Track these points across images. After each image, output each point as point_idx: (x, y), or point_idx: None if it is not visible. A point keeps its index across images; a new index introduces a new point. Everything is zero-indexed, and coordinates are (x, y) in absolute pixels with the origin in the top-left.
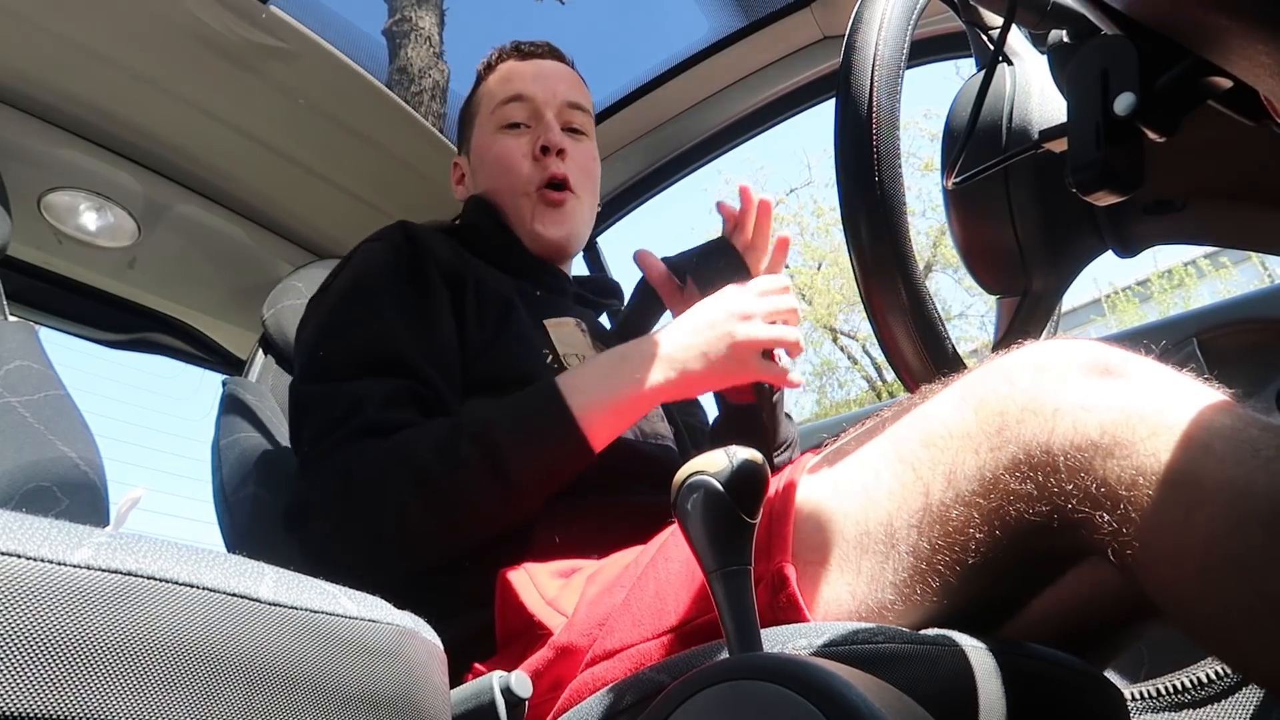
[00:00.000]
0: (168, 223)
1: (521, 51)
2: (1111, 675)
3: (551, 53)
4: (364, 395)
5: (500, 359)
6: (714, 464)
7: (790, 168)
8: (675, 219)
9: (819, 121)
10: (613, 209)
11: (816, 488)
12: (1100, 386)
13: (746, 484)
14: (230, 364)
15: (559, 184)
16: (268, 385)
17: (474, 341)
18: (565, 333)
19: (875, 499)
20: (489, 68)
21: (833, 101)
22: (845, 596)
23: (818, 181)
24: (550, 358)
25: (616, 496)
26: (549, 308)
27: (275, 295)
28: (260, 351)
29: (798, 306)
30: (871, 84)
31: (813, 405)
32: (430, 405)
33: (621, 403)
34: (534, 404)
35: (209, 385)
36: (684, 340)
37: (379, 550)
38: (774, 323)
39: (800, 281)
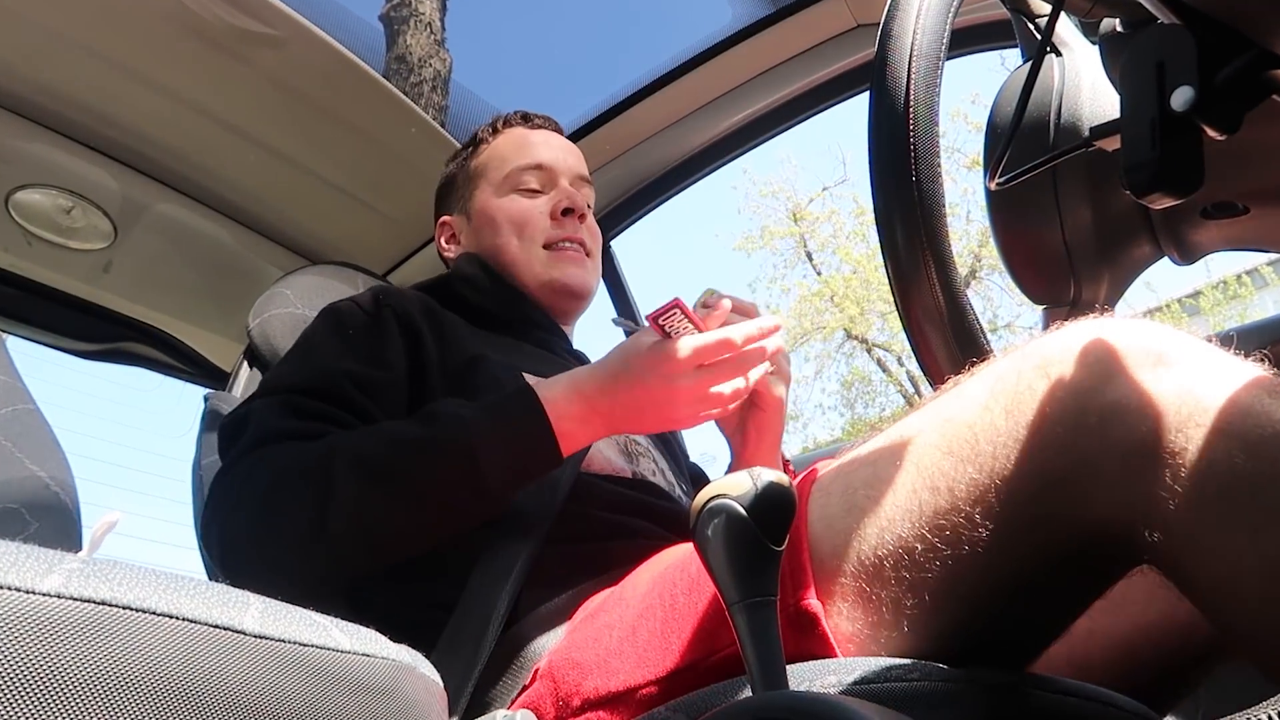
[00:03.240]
0: (146, 224)
1: (530, 121)
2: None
3: (555, 127)
4: (285, 407)
5: None
6: (737, 486)
7: (824, 163)
8: (698, 219)
9: (856, 113)
10: (628, 210)
11: (829, 506)
12: (1152, 379)
13: (772, 508)
14: (213, 377)
15: (579, 244)
16: None
17: (438, 395)
18: None
19: (894, 517)
20: (494, 132)
21: (867, 94)
22: (865, 628)
23: (854, 178)
24: None
25: (609, 540)
26: (534, 362)
27: (262, 303)
28: (245, 364)
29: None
30: (908, 76)
31: (842, 422)
32: (351, 426)
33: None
34: (501, 399)
35: (190, 399)
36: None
37: (307, 550)
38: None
39: (833, 287)
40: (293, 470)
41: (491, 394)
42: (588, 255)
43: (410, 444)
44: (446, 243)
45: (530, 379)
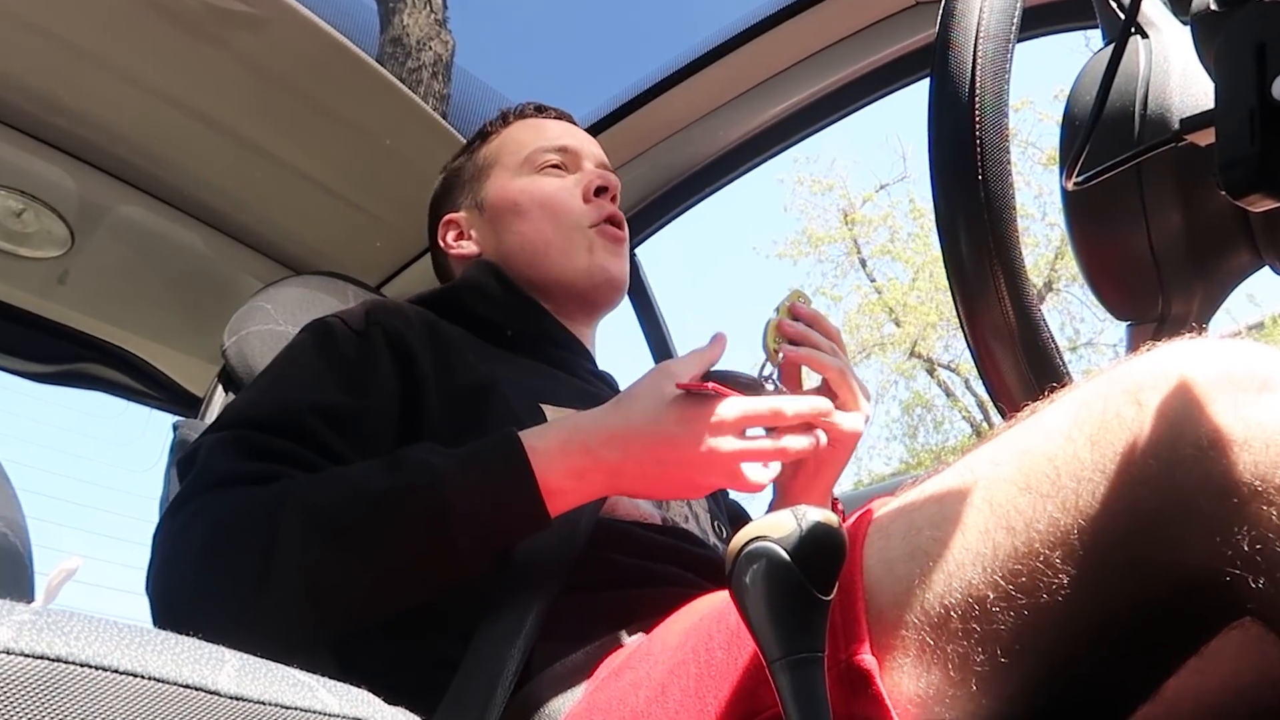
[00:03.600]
0: (107, 229)
1: (545, 112)
2: None
3: (571, 120)
4: (238, 446)
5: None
6: (779, 527)
7: (881, 158)
8: (734, 223)
9: (916, 102)
10: (654, 214)
11: (888, 549)
12: (1256, 407)
13: (820, 552)
14: (183, 402)
15: (618, 224)
16: None
17: (440, 432)
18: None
19: (963, 562)
20: (505, 122)
21: (927, 82)
22: (927, 688)
23: (914, 175)
24: None
25: (635, 588)
26: (555, 384)
27: (239, 319)
28: (219, 388)
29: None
30: (974, 60)
31: (902, 452)
32: (316, 467)
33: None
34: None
35: (157, 428)
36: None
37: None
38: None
39: (890, 298)
40: (233, 522)
41: (507, 424)
42: (625, 243)
43: (370, 495)
44: (455, 240)
45: (548, 417)
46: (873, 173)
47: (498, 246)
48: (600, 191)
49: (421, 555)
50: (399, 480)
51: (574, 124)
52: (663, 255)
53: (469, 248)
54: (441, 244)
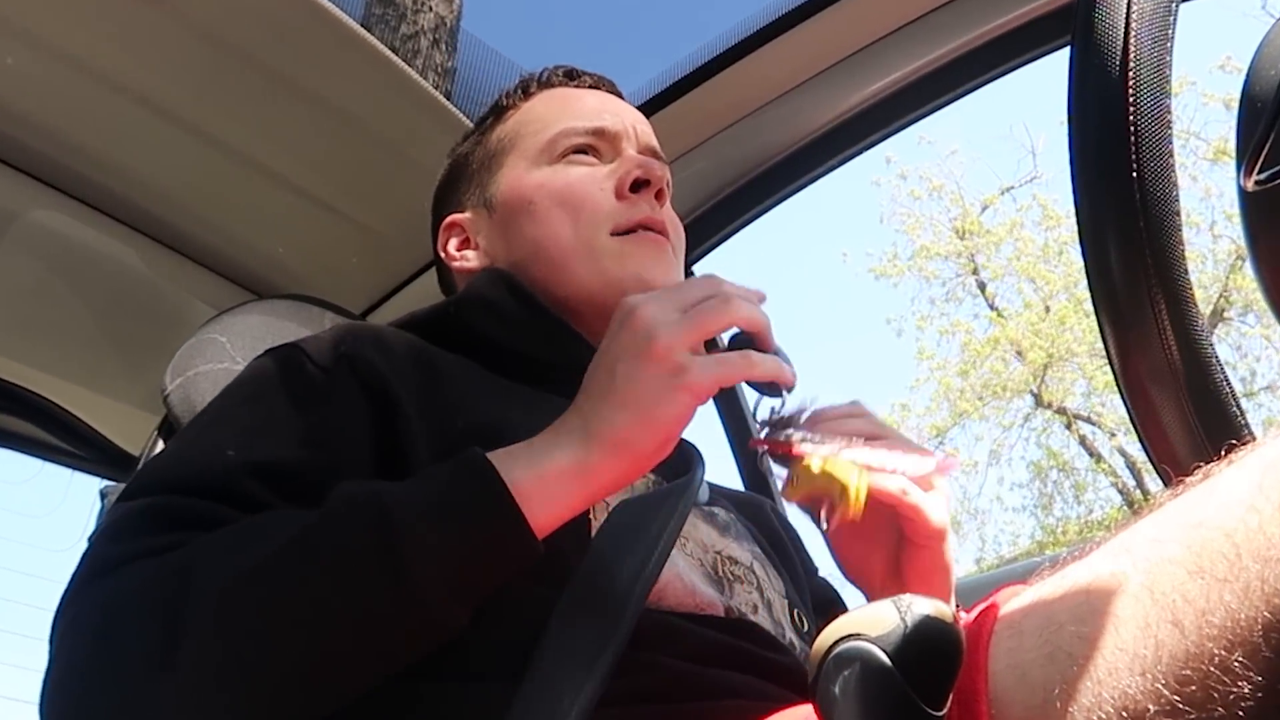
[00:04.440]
0: (16, 240)
1: (577, 79)
2: None
3: (613, 88)
4: (149, 519)
5: None
6: (877, 623)
7: (1004, 153)
8: (817, 232)
9: (1048, 82)
10: (717, 220)
11: (1020, 650)
12: None
13: (930, 655)
14: (114, 462)
15: (658, 232)
16: None
17: None
18: None
19: (1116, 666)
20: (525, 94)
21: (1066, 53)
22: None
23: (1048, 174)
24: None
25: (690, 701)
26: None
27: (185, 355)
28: (160, 443)
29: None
30: (1127, 26)
31: (1034, 527)
32: None
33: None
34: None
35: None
36: (596, 401)
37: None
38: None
39: (1016, 330)
40: (130, 601)
41: None
42: (673, 250)
43: (300, 538)
44: (457, 250)
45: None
46: (994, 172)
47: (508, 256)
48: (640, 186)
49: (375, 609)
50: (335, 519)
51: (617, 95)
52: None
53: (473, 259)
54: (442, 254)
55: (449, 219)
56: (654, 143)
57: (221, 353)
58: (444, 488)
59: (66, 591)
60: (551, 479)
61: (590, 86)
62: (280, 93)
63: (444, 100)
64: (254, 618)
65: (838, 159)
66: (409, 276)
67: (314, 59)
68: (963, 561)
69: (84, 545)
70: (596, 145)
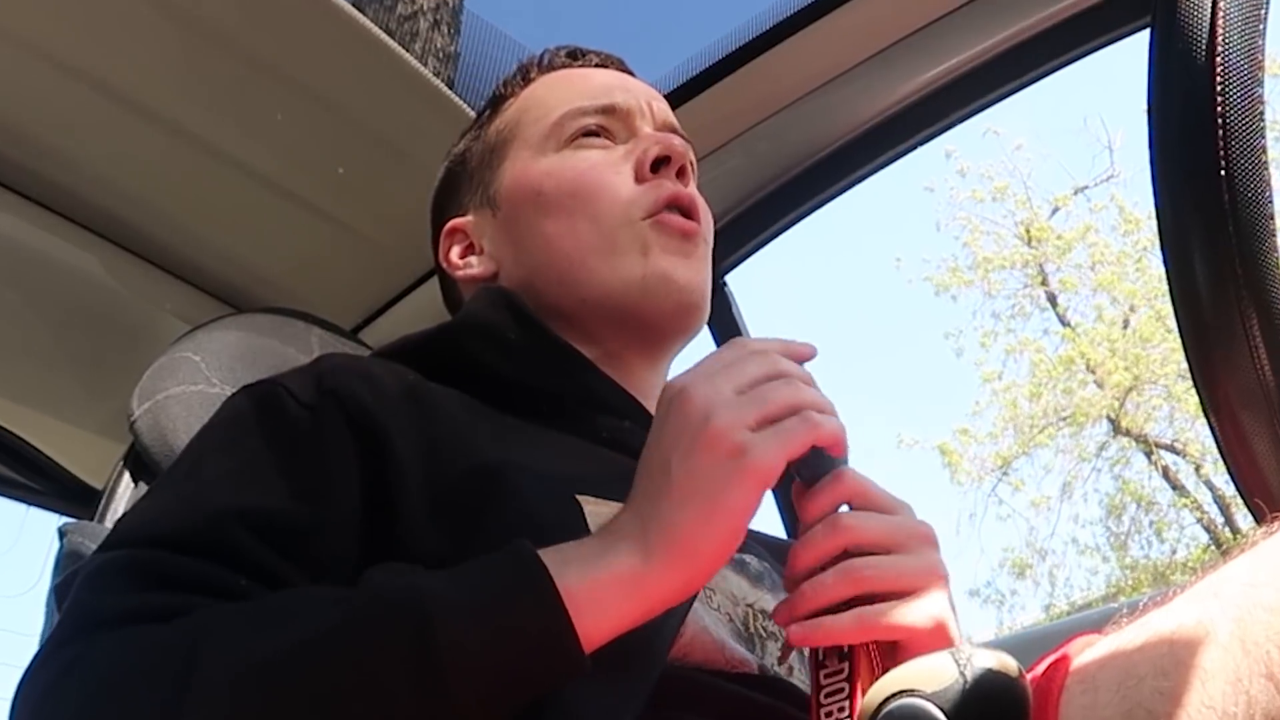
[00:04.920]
0: None
1: (582, 59)
2: None
3: (622, 66)
4: (135, 572)
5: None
6: (934, 677)
7: (1076, 150)
8: (875, 233)
9: (1127, 68)
10: (753, 225)
11: (1097, 707)
12: None
13: (992, 713)
14: (74, 497)
15: (686, 210)
16: None
17: (425, 547)
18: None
19: None
20: (525, 80)
21: (1146, 36)
22: None
23: (1125, 173)
24: None
25: None
26: (596, 471)
27: (154, 377)
28: (125, 476)
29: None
30: (1214, 6)
31: (1109, 569)
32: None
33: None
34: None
35: (38, 534)
36: (655, 503)
37: None
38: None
39: (1090, 347)
40: (122, 679)
41: (525, 529)
42: (700, 232)
43: (328, 635)
44: (460, 257)
45: (588, 516)
46: (1066, 170)
47: (517, 261)
48: (660, 164)
49: (402, 709)
50: (364, 608)
51: (628, 73)
52: (763, 283)
53: (479, 266)
54: (445, 264)
55: (450, 224)
56: (673, 120)
57: (195, 373)
58: (491, 594)
59: (45, 648)
60: (606, 589)
61: (597, 65)
62: (260, 80)
63: (445, 89)
64: (268, 714)
65: (889, 155)
66: (406, 288)
67: (299, 42)
68: (1030, 609)
69: (43, 588)
70: (608, 126)
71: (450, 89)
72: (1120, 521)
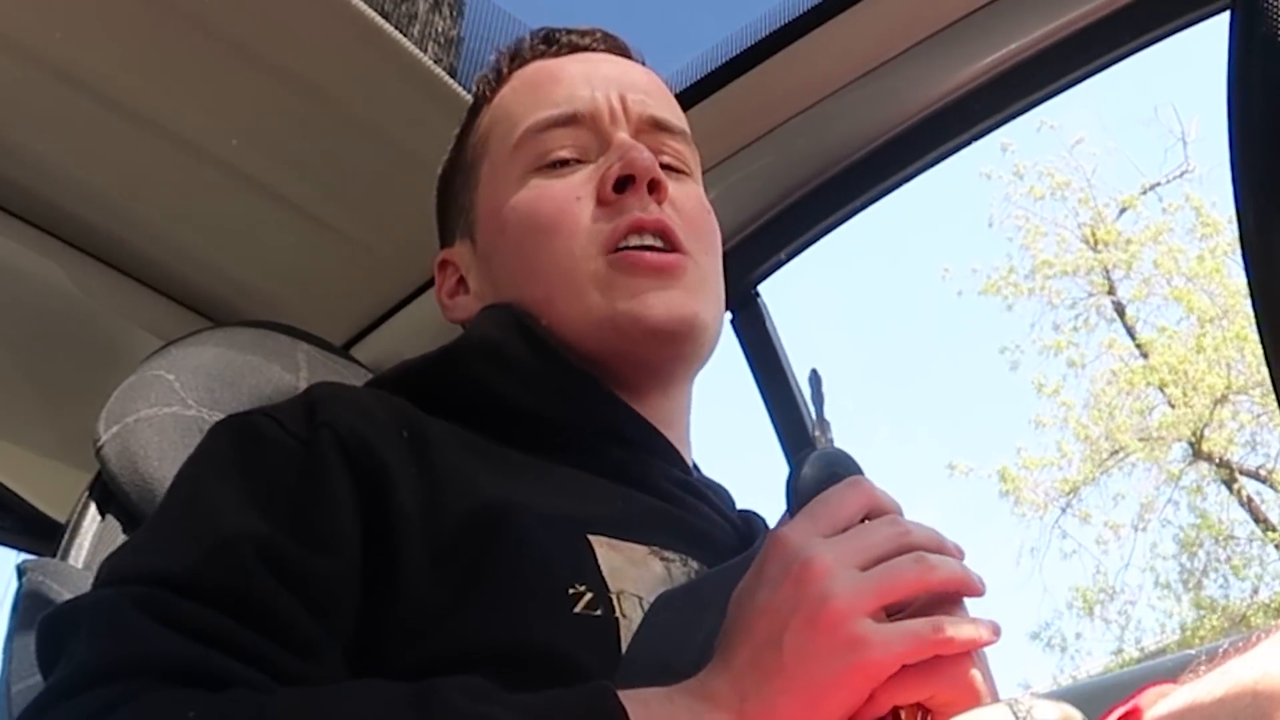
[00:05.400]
0: None
1: (556, 43)
2: None
3: (608, 43)
4: (151, 611)
5: (479, 617)
6: None
7: (1146, 144)
8: (923, 236)
9: (1203, 54)
10: (785, 231)
11: None
12: None
13: None
14: (33, 532)
15: (654, 234)
16: None
17: (423, 597)
18: (627, 564)
19: None
20: (499, 77)
21: (1225, 19)
22: None
23: (1201, 169)
24: (587, 600)
25: None
26: (609, 511)
27: (123, 397)
28: (91, 508)
29: (931, 533)
30: None
31: (1183, 611)
32: (269, 658)
33: None
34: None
35: None
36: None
37: None
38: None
39: (1162, 361)
40: None
41: (530, 575)
42: (682, 250)
43: None
44: (450, 297)
45: (600, 557)
46: (1135, 166)
47: (495, 298)
48: (624, 185)
49: None
50: None
51: (613, 50)
52: (796, 291)
53: (462, 307)
54: (440, 301)
55: (442, 256)
56: (654, 110)
57: (169, 394)
58: None
59: (67, 680)
60: None
61: (569, 50)
62: (240, 68)
63: (447, 77)
64: None
65: (939, 151)
66: (403, 299)
67: (283, 26)
68: (1097, 654)
69: (2, 631)
70: (575, 140)
71: (452, 77)
72: (1195, 559)
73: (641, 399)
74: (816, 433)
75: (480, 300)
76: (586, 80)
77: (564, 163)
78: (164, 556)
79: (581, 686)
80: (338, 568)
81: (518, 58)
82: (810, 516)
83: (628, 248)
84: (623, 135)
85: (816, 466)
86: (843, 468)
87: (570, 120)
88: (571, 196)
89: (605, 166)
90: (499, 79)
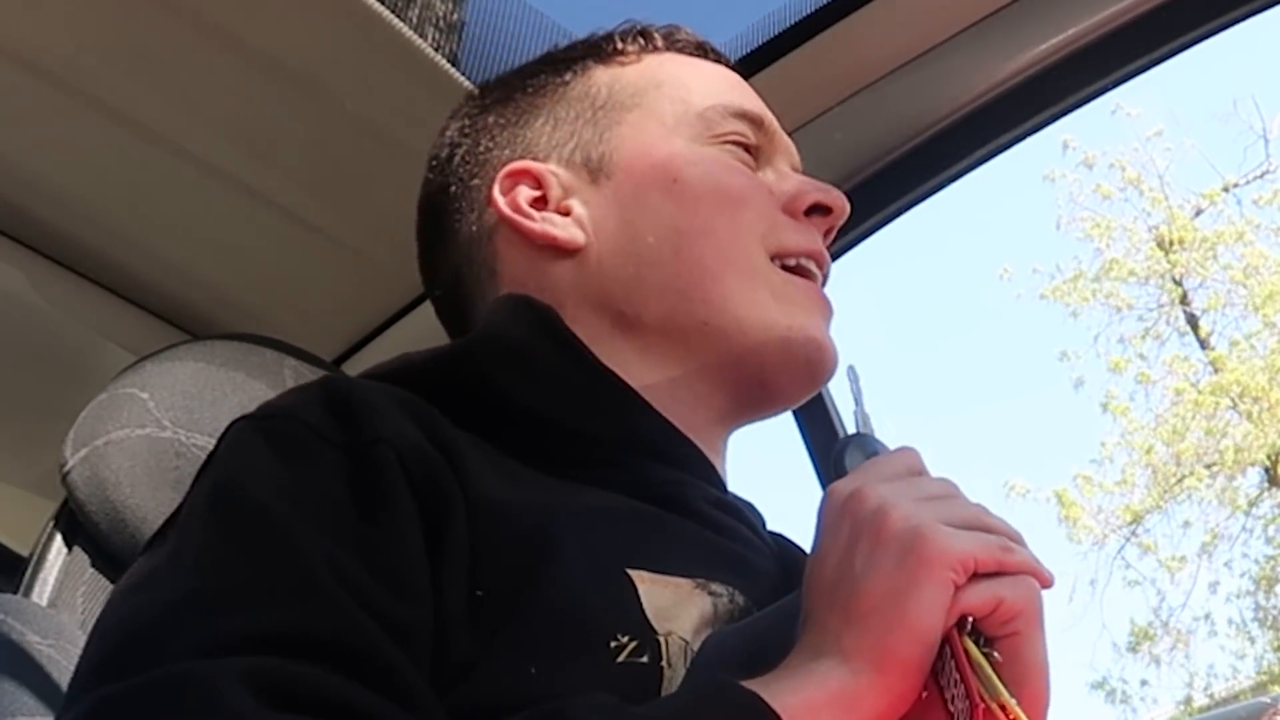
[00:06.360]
0: None
1: (711, 54)
2: None
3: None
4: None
5: (514, 666)
6: None
7: (1225, 140)
8: (980, 235)
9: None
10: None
11: None
12: None
13: None
14: None
15: (819, 268)
16: (75, 612)
17: (457, 641)
18: (673, 603)
19: None
20: (650, 45)
21: None
22: None
23: None
24: (631, 649)
25: None
26: (647, 537)
27: (92, 417)
28: (57, 538)
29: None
30: None
31: (1261, 652)
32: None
33: None
34: None
35: None
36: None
37: None
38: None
39: (1237, 377)
40: None
41: (565, 613)
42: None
43: None
44: (533, 204)
45: (642, 592)
46: (1210, 164)
47: (625, 246)
48: (817, 212)
49: None
50: None
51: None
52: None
53: (562, 228)
54: (502, 205)
55: (519, 163)
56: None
57: (143, 413)
58: None
59: None
60: (823, 711)
61: (722, 63)
62: (220, 55)
63: (447, 65)
64: None
65: (997, 142)
66: (397, 311)
67: (268, 9)
68: (1162, 702)
69: None
70: (755, 140)
71: (454, 66)
72: (1274, 597)
73: (690, 419)
74: (858, 426)
75: (588, 232)
76: (758, 99)
77: (749, 150)
78: (254, 613)
79: (703, 687)
80: (422, 615)
81: (672, 41)
82: (862, 470)
83: (801, 268)
84: (787, 167)
85: (858, 444)
86: (884, 449)
87: (758, 122)
88: (761, 188)
89: (797, 189)
90: (650, 46)
